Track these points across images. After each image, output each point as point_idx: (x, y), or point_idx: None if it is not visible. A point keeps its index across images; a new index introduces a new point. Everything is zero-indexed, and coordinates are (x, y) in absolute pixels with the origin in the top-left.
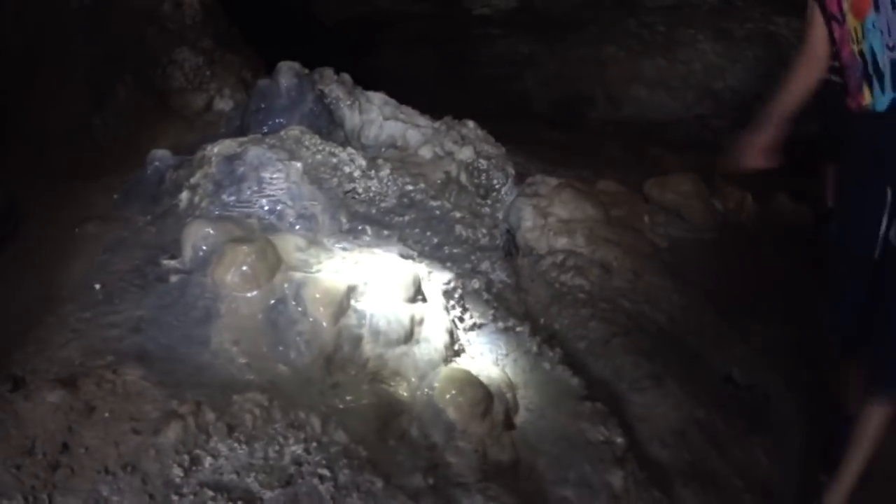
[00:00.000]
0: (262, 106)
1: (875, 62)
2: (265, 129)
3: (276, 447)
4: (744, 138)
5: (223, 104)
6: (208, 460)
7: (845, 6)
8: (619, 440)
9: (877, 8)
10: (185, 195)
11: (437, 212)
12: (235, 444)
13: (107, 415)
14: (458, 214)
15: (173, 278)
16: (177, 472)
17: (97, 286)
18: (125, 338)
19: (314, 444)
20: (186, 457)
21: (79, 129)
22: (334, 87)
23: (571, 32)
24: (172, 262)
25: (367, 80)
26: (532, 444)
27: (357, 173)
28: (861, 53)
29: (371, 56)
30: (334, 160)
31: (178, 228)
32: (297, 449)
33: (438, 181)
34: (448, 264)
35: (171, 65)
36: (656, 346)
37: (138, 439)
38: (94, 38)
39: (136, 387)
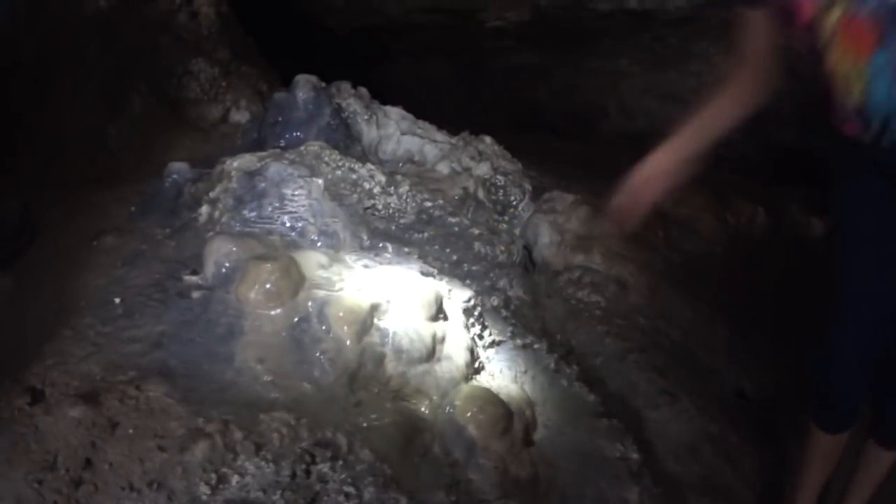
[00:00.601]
0: (280, 119)
1: (883, 112)
2: (282, 143)
3: (303, 465)
4: (625, 189)
5: (239, 116)
6: (235, 478)
7: (821, 39)
8: (635, 456)
9: (882, 42)
10: (204, 209)
11: (456, 228)
12: (262, 463)
13: (131, 431)
14: (476, 231)
15: (195, 294)
16: (203, 489)
17: (116, 300)
18: (147, 353)
19: (340, 462)
20: (213, 475)
21: (93, 138)
22: (352, 101)
23: (584, 45)
24: (194, 278)
25: (379, 91)
26: (550, 460)
27: (377, 189)
28: (861, 107)
29: (384, 66)
30: (354, 176)
31: (197, 243)
32: (324, 467)
33: (456, 197)
34: (467, 281)
35: (187, 75)
36: (670, 362)
37: (164, 456)
38: (109, 47)
39: (159, 403)
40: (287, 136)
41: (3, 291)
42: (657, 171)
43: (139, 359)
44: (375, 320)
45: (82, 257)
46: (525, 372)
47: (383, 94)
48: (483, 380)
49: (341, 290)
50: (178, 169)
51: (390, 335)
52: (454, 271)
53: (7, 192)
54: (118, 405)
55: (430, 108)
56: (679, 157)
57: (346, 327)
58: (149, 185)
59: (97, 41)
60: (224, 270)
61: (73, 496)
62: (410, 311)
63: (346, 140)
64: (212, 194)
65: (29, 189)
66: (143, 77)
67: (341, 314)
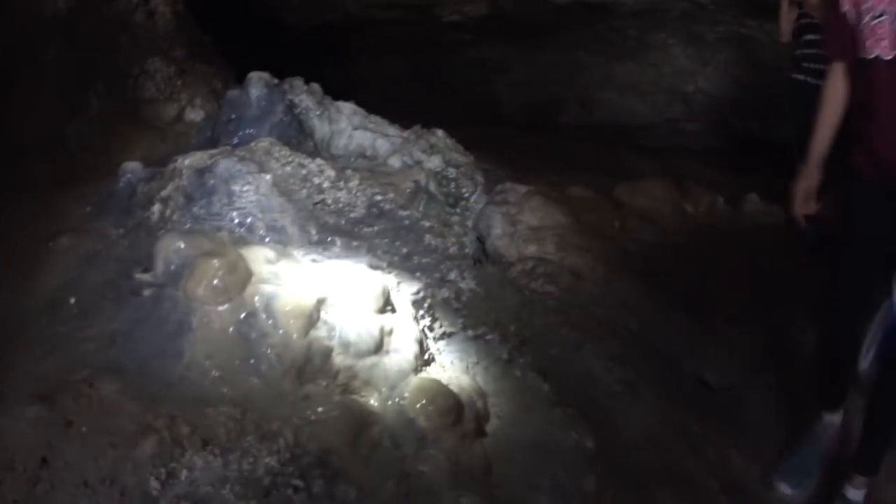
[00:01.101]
0: (233, 116)
1: None
2: (236, 140)
3: (251, 459)
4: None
5: (194, 115)
6: (184, 473)
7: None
8: (591, 444)
9: None
10: (156, 208)
11: (407, 221)
12: (210, 457)
13: (84, 429)
14: (427, 224)
15: (146, 292)
16: (154, 485)
17: (72, 300)
18: (100, 352)
19: (287, 455)
20: (163, 470)
21: (52, 138)
22: (304, 97)
23: (542, 38)
24: (145, 276)
25: (338, 87)
26: (504, 451)
27: (326, 184)
28: None
29: (342, 63)
30: (304, 171)
31: (150, 241)
32: (271, 461)
33: (408, 190)
34: (417, 274)
35: (143, 75)
36: (628, 351)
37: (116, 453)
38: (68, 48)
39: (112, 401)
40: (240, 133)
41: None
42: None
43: (93, 358)
44: (322, 314)
45: (39, 258)
46: (477, 363)
47: (343, 91)
48: (433, 372)
49: (288, 284)
50: (132, 169)
51: (337, 329)
52: (404, 264)
53: None
54: (72, 404)
55: (389, 103)
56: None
57: (292, 321)
58: (105, 185)
59: (56, 42)
60: (173, 268)
61: (31, 494)
62: (357, 304)
63: (298, 136)
64: (163, 193)
65: None
66: (101, 77)
67: (287, 308)
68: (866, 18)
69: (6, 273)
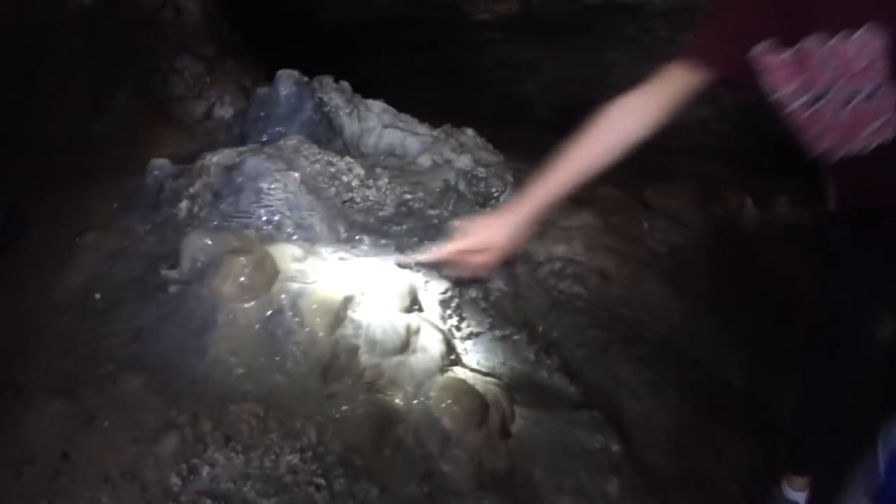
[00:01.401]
0: (262, 114)
1: None
2: (265, 138)
3: (272, 457)
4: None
5: (223, 112)
6: (206, 469)
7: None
8: (616, 448)
9: None
10: (184, 205)
11: (436, 220)
12: (232, 454)
13: (106, 424)
14: (456, 223)
15: (172, 288)
16: (175, 480)
17: (97, 296)
18: (125, 347)
19: (310, 453)
20: (184, 466)
21: (79, 135)
22: (333, 94)
23: (573, 37)
24: (171, 273)
25: (367, 84)
26: (528, 452)
27: (355, 182)
28: None
29: (371, 60)
30: (332, 169)
31: (177, 238)
32: (293, 458)
33: (437, 189)
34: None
35: (172, 72)
36: (655, 354)
37: (137, 448)
38: (94, 45)
39: (135, 396)
40: (269, 131)
41: None
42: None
43: (117, 353)
44: (349, 312)
45: (66, 254)
46: (503, 363)
47: (372, 88)
48: (460, 371)
49: (315, 282)
50: (160, 165)
51: (364, 327)
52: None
53: None
54: (95, 399)
55: (418, 101)
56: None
57: (318, 319)
58: (132, 181)
59: (83, 39)
60: (199, 265)
61: (51, 488)
62: (384, 302)
63: (328, 134)
64: (191, 189)
65: (15, 186)
66: (128, 74)
67: (314, 306)
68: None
69: (33, 268)
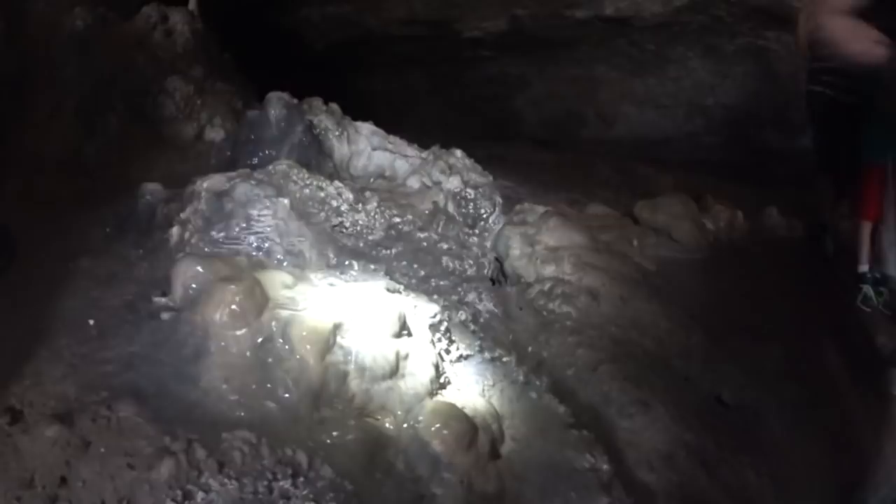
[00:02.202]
0: (252, 137)
1: None
2: (255, 161)
3: (265, 482)
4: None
5: (214, 134)
6: (200, 495)
7: None
8: (606, 467)
9: None
10: (175, 230)
11: (425, 243)
12: (226, 480)
13: (102, 450)
14: (445, 245)
15: (164, 315)
16: None
17: (91, 321)
18: (119, 374)
19: (301, 478)
20: (179, 492)
21: (71, 158)
22: (323, 117)
23: (562, 53)
24: (163, 300)
25: (357, 103)
26: (518, 473)
27: (344, 207)
28: None
29: (363, 78)
30: (322, 194)
31: (169, 264)
32: (286, 484)
33: (426, 212)
34: (435, 297)
35: (162, 94)
36: (644, 371)
37: (133, 474)
38: (86, 67)
39: (129, 423)
40: (260, 154)
41: None
42: None
43: (111, 380)
44: (338, 339)
45: (59, 279)
46: (493, 385)
47: (362, 106)
48: (449, 395)
49: (305, 309)
50: (152, 189)
51: (353, 353)
52: (421, 287)
53: None
54: (91, 425)
55: (408, 118)
56: None
57: (308, 346)
58: (124, 205)
59: (74, 61)
60: (191, 292)
61: None
62: (374, 328)
63: (317, 157)
64: (182, 215)
65: (8, 209)
66: (119, 96)
67: (304, 334)
68: None
69: (27, 293)
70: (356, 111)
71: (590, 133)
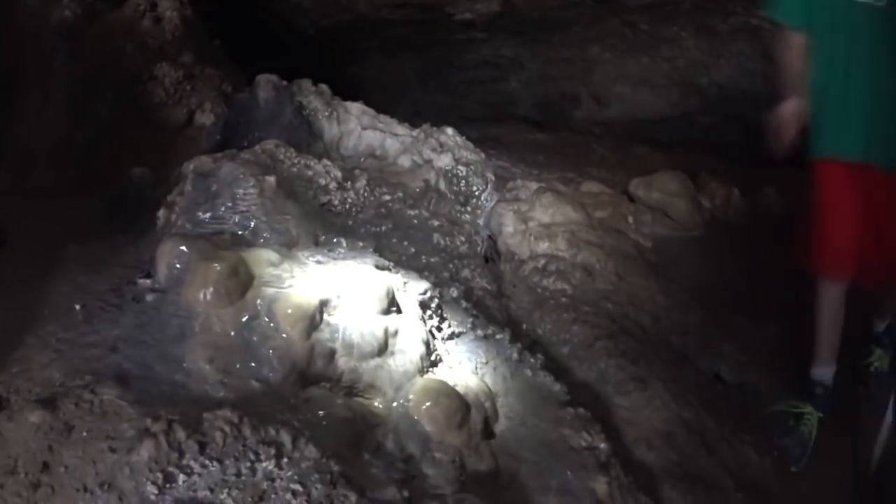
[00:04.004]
0: (241, 119)
1: None
2: (245, 143)
3: (248, 463)
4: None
5: (204, 118)
6: (181, 477)
7: None
8: (603, 445)
9: None
10: (162, 213)
11: (416, 221)
12: (207, 461)
13: (85, 434)
14: (436, 223)
15: (149, 297)
16: (151, 489)
17: (77, 306)
18: (103, 357)
19: (285, 459)
20: (160, 474)
21: (61, 146)
22: (312, 98)
23: (555, 34)
24: (148, 282)
25: (351, 87)
26: (512, 452)
27: (333, 185)
28: None
29: (355, 63)
30: (310, 173)
31: (155, 247)
32: (269, 465)
33: (417, 190)
34: (425, 273)
35: (152, 80)
36: (641, 348)
37: (114, 458)
38: (75, 56)
39: (112, 406)
40: (249, 136)
41: None
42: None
43: (96, 363)
44: (325, 316)
45: (48, 265)
46: (486, 363)
47: (355, 90)
48: (441, 373)
49: (291, 286)
50: (141, 174)
51: (341, 330)
52: (411, 264)
53: None
54: (74, 409)
55: (402, 102)
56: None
57: (294, 324)
58: (113, 191)
59: (64, 51)
60: (175, 272)
61: (31, 499)
62: (361, 305)
63: (308, 137)
64: (169, 198)
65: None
66: (109, 85)
67: (289, 311)
68: None
69: (15, 281)
70: (349, 96)
71: (584, 114)
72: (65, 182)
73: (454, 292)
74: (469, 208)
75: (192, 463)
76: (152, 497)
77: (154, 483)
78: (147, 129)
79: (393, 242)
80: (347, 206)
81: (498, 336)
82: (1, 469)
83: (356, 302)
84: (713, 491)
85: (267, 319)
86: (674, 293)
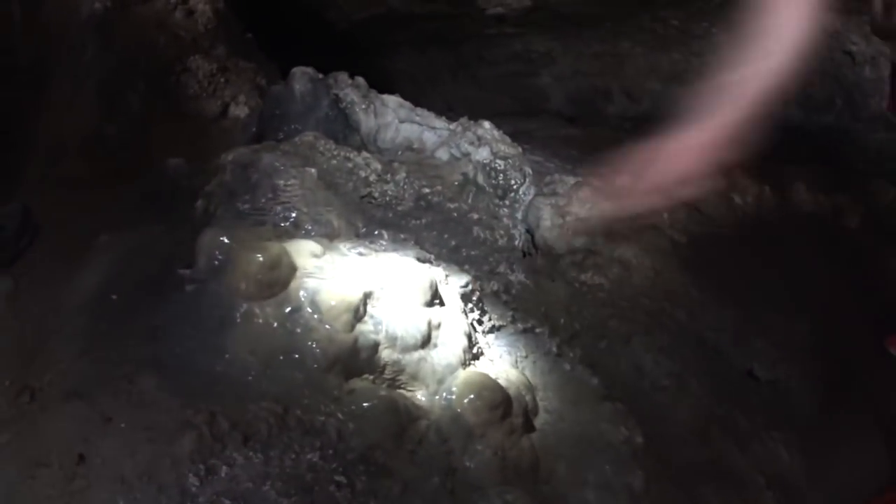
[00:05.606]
0: (277, 112)
1: None
2: (281, 136)
3: (292, 455)
4: None
5: (238, 111)
6: (224, 469)
7: None
8: (639, 440)
9: None
10: (200, 204)
11: (455, 214)
12: (251, 453)
13: (123, 425)
14: (475, 216)
15: (188, 287)
16: (193, 481)
17: (113, 296)
18: (141, 348)
19: (330, 451)
20: (202, 466)
21: (93, 138)
22: (349, 91)
23: (586, 29)
24: (188, 272)
25: (383, 81)
26: (551, 446)
27: (373, 177)
28: None
29: (386, 58)
30: (350, 165)
31: (193, 237)
32: (314, 457)
33: (455, 183)
34: (466, 267)
35: (185, 72)
36: (676, 344)
37: (154, 449)
38: (106, 48)
39: (151, 396)
40: (285, 128)
41: (3, 292)
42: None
43: (133, 353)
44: (369, 308)
45: (81, 256)
46: (526, 357)
47: (387, 85)
48: (482, 366)
49: (334, 278)
50: (175, 165)
51: (384, 323)
52: (452, 257)
53: (8, 195)
54: (111, 400)
55: (433, 96)
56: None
57: (337, 316)
58: (147, 182)
59: (94, 42)
60: (216, 263)
61: (66, 491)
62: (405, 297)
63: (344, 130)
64: (207, 188)
65: (29, 191)
66: (140, 77)
67: (333, 303)
68: None
69: (48, 272)
70: (381, 90)
71: (616, 109)
72: (97, 173)
73: (494, 286)
74: (507, 202)
75: (235, 455)
76: (193, 489)
77: (196, 475)
78: (180, 121)
79: (433, 235)
80: (388, 199)
81: (537, 330)
82: (34, 460)
83: (400, 294)
84: (744, 488)
85: (310, 311)
86: (708, 289)
